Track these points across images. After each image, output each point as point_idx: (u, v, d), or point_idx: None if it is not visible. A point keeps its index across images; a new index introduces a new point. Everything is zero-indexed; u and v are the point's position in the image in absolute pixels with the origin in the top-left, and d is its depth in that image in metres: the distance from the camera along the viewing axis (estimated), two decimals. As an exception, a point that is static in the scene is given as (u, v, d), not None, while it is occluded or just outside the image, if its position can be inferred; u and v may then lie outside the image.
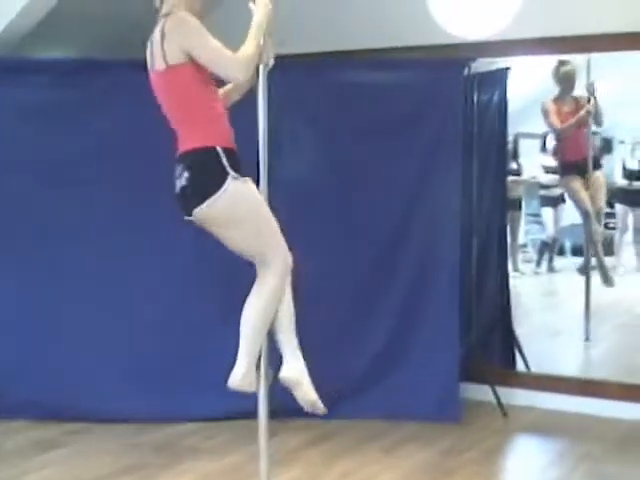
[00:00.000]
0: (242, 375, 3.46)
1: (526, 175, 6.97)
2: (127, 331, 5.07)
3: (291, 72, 4.95)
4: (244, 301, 3.48)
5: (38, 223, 5.10)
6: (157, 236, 5.06)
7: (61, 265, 5.10)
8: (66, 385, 5.02)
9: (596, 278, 6.30)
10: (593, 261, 6.31)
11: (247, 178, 3.39)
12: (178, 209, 3.46)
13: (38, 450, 4.65)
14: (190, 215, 3.44)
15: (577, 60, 5.86)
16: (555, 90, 6.19)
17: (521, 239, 7.26)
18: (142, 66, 5.12)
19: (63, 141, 5.07)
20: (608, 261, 6.47)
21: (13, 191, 5.09)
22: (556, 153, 6.56)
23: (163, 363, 5.06)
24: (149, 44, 3.46)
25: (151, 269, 5.10)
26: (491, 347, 5.71)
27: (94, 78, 5.09)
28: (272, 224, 3.45)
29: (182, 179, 3.43)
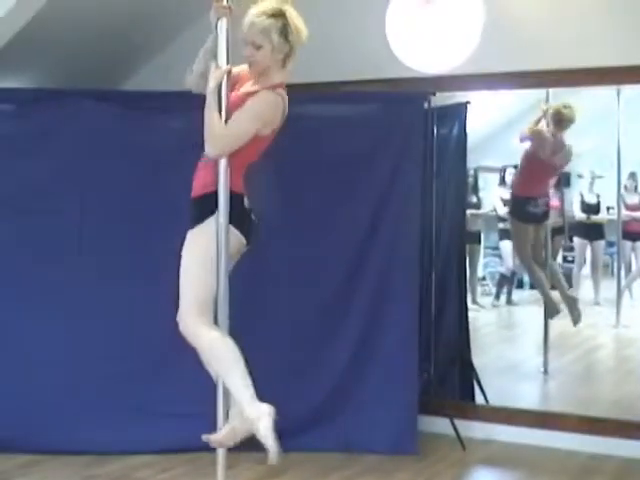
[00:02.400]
0: (254, 415, 3.42)
1: (485, 208, 7.02)
2: (80, 361, 5.00)
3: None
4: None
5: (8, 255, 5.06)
6: (113, 267, 5.03)
7: (12, 293, 5.05)
8: (17, 416, 4.94)
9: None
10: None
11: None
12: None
13: (-9, 483, 4.58)
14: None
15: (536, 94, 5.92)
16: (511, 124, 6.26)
17: (480, 272, 7.29)
18: (98, 96, 5.17)
19: (21, 170, 5.04)
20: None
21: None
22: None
23: (118, 393, 4.98)
24: None
25: (106, 297, 5.04)
26: (450, 380, 5.72)
27: (50, 108, 5.08)
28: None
29: None
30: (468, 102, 5.61)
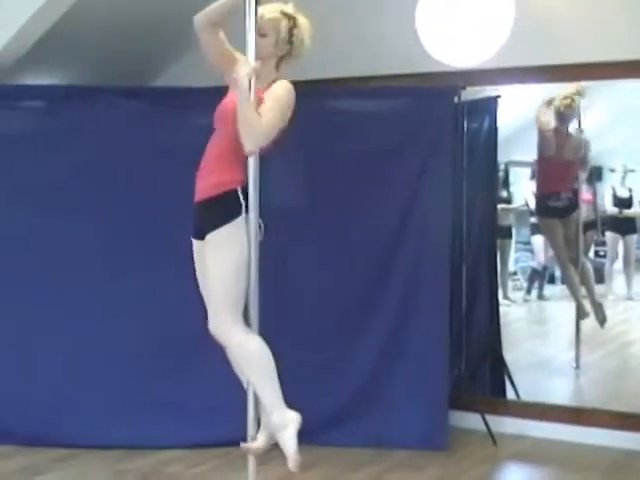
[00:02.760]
0: (279, 421, 3.49)
1: (516, 203, 6.97)
2: (113, 356, 5.04)
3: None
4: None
5: (19, 246, 5.09)
6: (142, 264, 5.06)
7: (45, 291, 5.09)
8: (51, 411, 4.99)
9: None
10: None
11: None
12: None
13: (23, 477, 4.61)
14: None
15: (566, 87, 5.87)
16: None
17: (511, 267, 7.25)
18: (128, 93, 5.20)
19: (51, 166, 5.07)
20: (598, 289, 6.45)
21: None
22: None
23: (149, 388, 5.03)
24: None
25: (137, 295, 5.08)
26: (481, 375, 5.70)
27: (80, 105, 5.11)
28: None
29: None
30: (499, 96, 5.59)
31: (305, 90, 5.36)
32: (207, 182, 3.57)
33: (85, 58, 5.79)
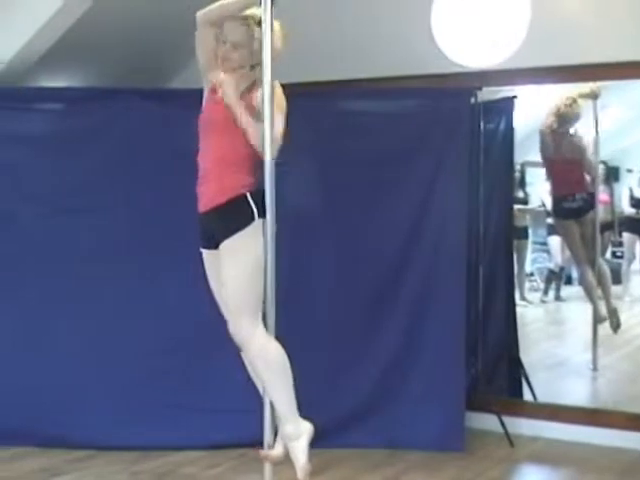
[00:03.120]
0: (292, 431, 3.49)
1: (533, 204, 6.95)
2: (128, 357, 5.05)
3: (296, 101, 4.99)
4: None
5: (37, 248, 5.11)
6: (159, 265, 5.07)
7: (57, 291, 5.11)
8: (69, 412, 5.01)
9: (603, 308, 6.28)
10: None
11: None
12: None
13: (42, 477, 4.63)
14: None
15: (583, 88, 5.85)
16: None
17: (528, 268, 7.23)
18: (146, 94, 5.21)
19: (68, 168, 5.10)
20: (614, 290, 6.43)
21: (15, 217, 5.12)
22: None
23: (164, 389, 5.04)
24: None
25: (150, 294, 5.09)
26: (497, 376, 5.69)
27: (99, 106, 5.13)
28: None
29: None
30: (515, 96, 5.58)
31: (320, 91, 5.45)
32: (212, 189, 3.55)
33: (101, 60, 5.81)
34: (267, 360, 3.49)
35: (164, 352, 5.05)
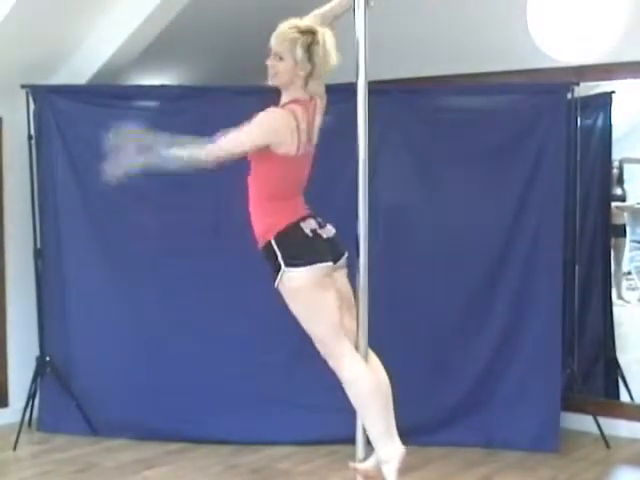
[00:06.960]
0: (382, 455, 3.43)
1: (631, 201, 6.82)
2: (225, 354, 5.12)
3: (389, 97, 4.99)
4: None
5: (153, 250, 5.21)
6: (252, 262, 5.10)
7: (167, 291, 5.20)
8: (166, 406, 5.13)
9: None
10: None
11: None
12: (328, 254, 3.46)
13: (139, 468, 4.74)
14: (342, 255, 3.50)
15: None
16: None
17: (625, 266, 7.09)
18: (240, 92, 5.24)
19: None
20: None
21: (126, 217, 5.24)
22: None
23: (261, 385, 5.09)
24: (302, 122, 3.43)
25: (254, 291, 5.10)
26: (594, 376, 5.62)
27: (196, 104, 5.19)
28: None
29: (329, 228, 3.52)
30: (613, 92, 5.48)
31: (414, 88, 5.43)
32: (255, 230, 3.53)
33: (196, 58, 5.89)
34: (356, 393, 3.44)
35: (261, 348, 5.10)
